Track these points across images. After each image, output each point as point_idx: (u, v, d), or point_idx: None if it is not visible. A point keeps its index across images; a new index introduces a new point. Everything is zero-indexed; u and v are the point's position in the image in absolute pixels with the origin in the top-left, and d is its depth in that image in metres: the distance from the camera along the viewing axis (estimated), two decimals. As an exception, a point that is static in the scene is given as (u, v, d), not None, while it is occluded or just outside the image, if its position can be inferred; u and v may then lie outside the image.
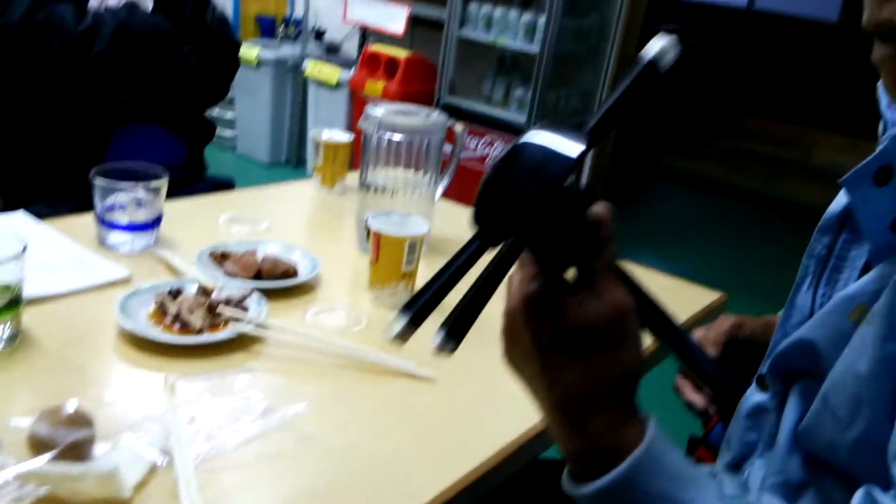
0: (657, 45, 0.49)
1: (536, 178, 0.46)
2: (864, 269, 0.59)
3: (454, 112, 3.69)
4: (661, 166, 5.39)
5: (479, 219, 0.48)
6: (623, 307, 0.50)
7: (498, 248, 0.49)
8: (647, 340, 0.55)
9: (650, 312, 0.57)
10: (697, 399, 0.78)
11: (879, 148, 0.51)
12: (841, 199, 0.63)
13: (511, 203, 0.47)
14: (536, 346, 0.51)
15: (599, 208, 0.50)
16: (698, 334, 0.81)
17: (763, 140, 5.82)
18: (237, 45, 2.13)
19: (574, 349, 0.50)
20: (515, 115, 3.59)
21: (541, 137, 0.48)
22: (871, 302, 0.52)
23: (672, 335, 0.60)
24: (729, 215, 4.73)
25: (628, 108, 0.49)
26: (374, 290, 1.10)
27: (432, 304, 0.48)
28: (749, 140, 5.87)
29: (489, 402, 0.90)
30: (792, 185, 5.04)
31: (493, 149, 3.64)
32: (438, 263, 0.50)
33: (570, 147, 0.47)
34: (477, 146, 3.69)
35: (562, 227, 0.49)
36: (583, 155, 0.47)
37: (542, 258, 0.51)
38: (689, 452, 0.81)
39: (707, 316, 1.25)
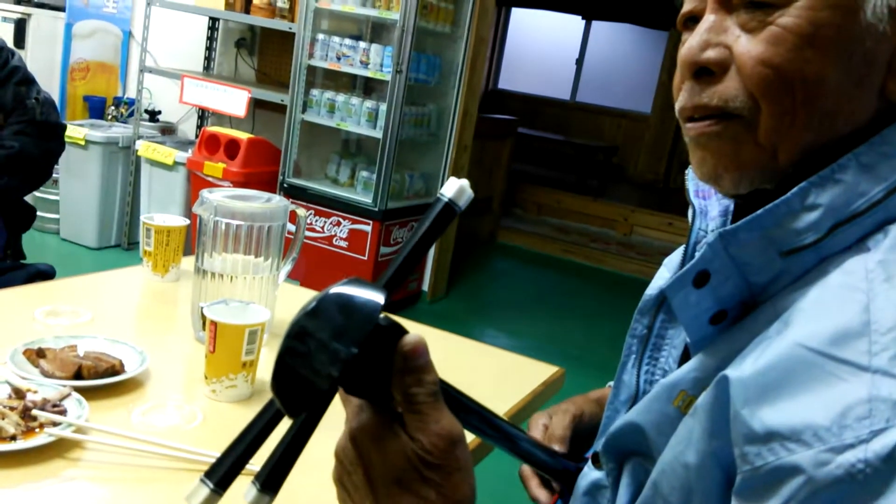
0: (454, 186, 0.51)
1: (337, 345, 0.46)
2: (684, 349, 0.64)
3: (299, 193, 3.67)
4: (497, 244, 5.62)
5: (278, 392, 0.48)
6: (450, 437, 0.50)
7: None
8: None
9: (480, 421, 0.59)
10: (542, 495, 0.79)
11: (698, 255, 0.54)
12: (656, 283, 0.68)
13: (309, 383, 0.46)
14: (369, 483, 0.51)
15: (411, 339, 0.50)
16: (541, 422, 0.83)
17: (588, 219, 6.26)
18: (62, 128, 2.02)
19: (405, 484, 0.49)
20: (362, 196, 3.64)
21: (341, 294, 0.48)
22: (692, 389, 0.55)
23: (505, 438, 0.62)
24: (566, 289, 4.99)
25: (429, 244, 0.52)
26: (211, 382, 1.04)
27: (237, 469, 0.48)
28: (576, 218, 6.28)
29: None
30: (617, 261, 5.41)
31: (340, 228, 3.64)
32: None
33: (371, 301, 0.48)
34: (324, 226, 3.68)
35: (374, 367, 0.49)
36: (384, 305, 0.48)
37: (362, 395, 0.51)
38: None
39: (546, 390, 1.29)
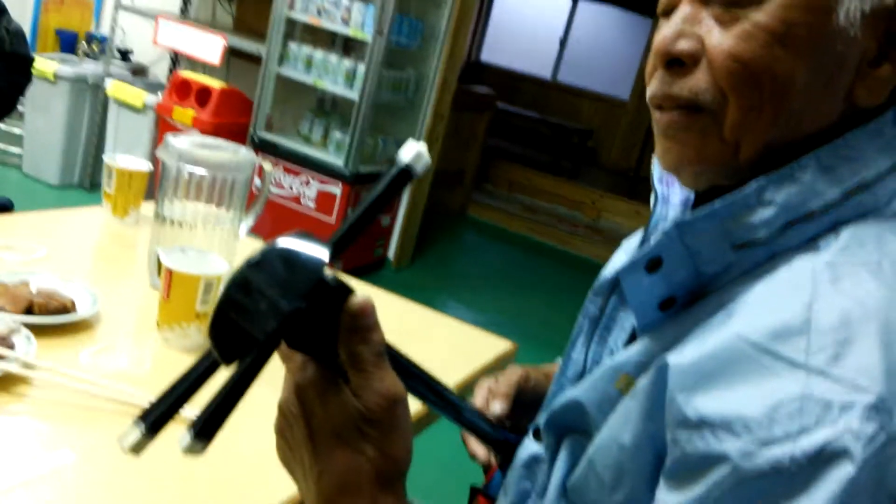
0: (412, 151, 0.51)
1: (277, 298, 0.46)
2: (632, 332, 0.65)
3: (269, 148, 3.63)
4: (466, 217, 5.63)
5: (215, 339, 0.48)
6: (392, 396, 0.51)
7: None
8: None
9: (424, 388, 0.60)
10: (480, 451, 0.81)
11: (653, 242, 0.54)
12: (612, 265, 0.69)
13: (247, 333, 0.47)
14: (309, 435, 0.52)
15: (358, 300, 0.50)
16: (487, 384, 0.84)
17: (559, 200, 6.29)
18: (30, 60, 1.96)
19: (344, 438, 0.50)
20: (333, 157, 3.60)
21: (287, 246, 0.49)
22: (634, 373, 0.56)
23: (448, 406, 0.63)
24: (532, 268, 5.03)
25: (382, 206, 0.52)
26: (163, 330, 1.04)
27: (169, 414, 0.48)
28: (546, 198, 6.31)
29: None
30: (584, 244, 5.46)
31: (309, 188, 3.61)
32: None
33: (315, 257, 0.48)
34: (293, 185, 3.64)
35: (319, 324, 0.50)
36: (329, 262, 0.48)
37: (306, 351, 0.51)
38: (469, 502, 0.83)
39: (498, 363, 1.31)
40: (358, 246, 3.76)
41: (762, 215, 0.52)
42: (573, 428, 0.62)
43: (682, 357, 0.49)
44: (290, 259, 0.48)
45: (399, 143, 3.90)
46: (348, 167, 3.53)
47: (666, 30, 0.56)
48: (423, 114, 3.86)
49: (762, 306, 0.49)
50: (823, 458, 0.42)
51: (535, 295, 4.42)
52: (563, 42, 8.79)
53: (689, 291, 0.56)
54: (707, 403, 0.46)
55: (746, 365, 0.46)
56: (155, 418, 0.47)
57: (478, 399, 0.82)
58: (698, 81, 0.54)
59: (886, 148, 0.54)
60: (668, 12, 0.58)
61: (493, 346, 1.36)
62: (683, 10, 0.55)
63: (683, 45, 0.54)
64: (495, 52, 8.98)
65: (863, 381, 0.44)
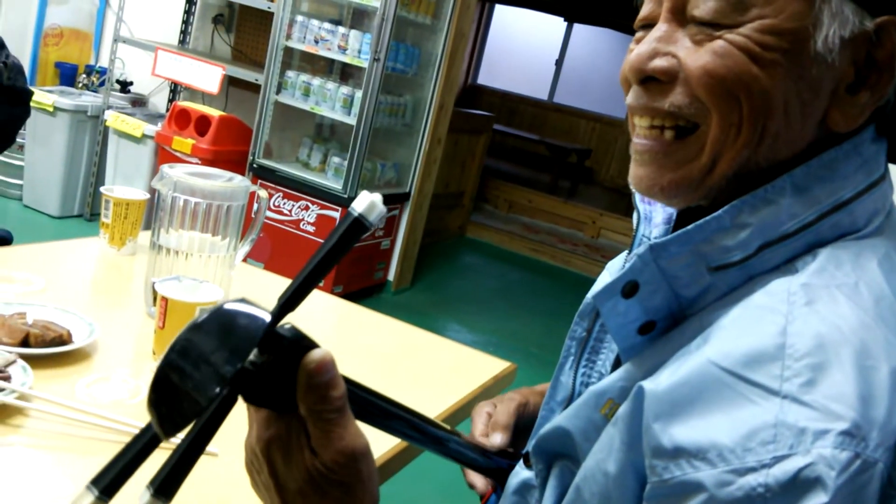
0: (365, 201, 0.49)
1: (220, 363, 0.45)
2: (619, 355, 0.65)
3: (268, 175, 3.65)
4: (465, 239, 5.64)
5: (156, 406, 0.46)
6: (351, 453, 0.50)
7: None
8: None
9: (404, 425, 0.59)
10: (479, 482, 0.80)
11: (628, 265, 0.53)
12: (597, 287, 0.68)
13: (192, 398, 0.45)
14: (275, 487, 0.52)
15: (315, 356, 0.49)
16: (486, 410, 0.83)
17: (558, 220, 6.31)
18: (28, 94, 1.99)
19: (307, 496, 0.50)
20: (332, 182, 3.62)
21: (229, 310, 0.47)
22: (618, 398, 0.55)
23: (433, 440, 0.63)
24: (532, 288, 5.02)
25: (335, 260, 0.50)
26: (159, 358, 1.04)
27: (124, 476, 0.47)
28: (546, 217, 6.33)
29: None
30: (583, 262, 5.47)
31: (309, 213, 3.63)
32: None
33: (258, 318, 0.47)
34: (292, 210, 3.66)
35: (274, 381, 0.49)
36: (273, 323, 0.48)
37: (266, 407, 0.51)
38: None
39: (496, 384, 1.31)
40: (358, 269, 3.78)
41: (737, 237, 0.52)
42: (561, 454, 0.61)
43: (657, 384, 0.49)
44: (232, 321, 0.47)
45: (398, 167, 3.93)
46: (347, 191, 3.55)
47: (641, 48, 0.55)
48: (421, 137, 3.89)
49: (736, 331, 0.48)
50: (797, 487, 0.42)
51: (535, 315, 4.41)
52: (558, 64, 8.87)
53: (670, 315, 0.55)
54: (682, 432, 0.46)
55: (720, 392, 0.46)
56: (109, 481, 0.46)
57: (477, 427, 0.80)
58: (677, 97, 0.54)
59: (864, 166, 0.54)
60: (646, 26, 0.57)
61: (491, 366, 1.36)
62: (660, 28, 0.55)
63: (659, 63, 0.54)
64: (492, 75, 9.06)
65: (837, 407, 0.43)
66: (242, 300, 0.49)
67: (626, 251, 0.69)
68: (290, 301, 0.49)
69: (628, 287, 0.53)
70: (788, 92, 0.52)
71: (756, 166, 0.53)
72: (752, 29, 0.51)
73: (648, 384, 0.49)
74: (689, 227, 0.52)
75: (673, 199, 0.57)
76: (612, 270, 0.70)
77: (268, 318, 0.48)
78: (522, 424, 0.81)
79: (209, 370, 0.45)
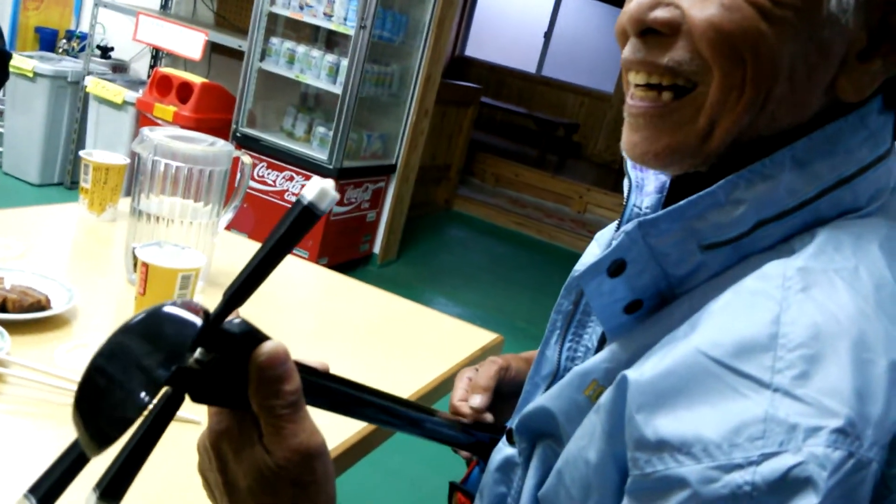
0: (315, 188, 0.46)
1: (149, 366, 0.43)
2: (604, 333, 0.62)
3: (252, 144, 3.60)
4: (452, 212, 5.62)
5: (83, 414, 0.43)
6: (308, 451, 0.47)
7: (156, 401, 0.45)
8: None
9: (375, 411, 0.58)
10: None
11: (615, 243, 0.50)
12: (585, 259, 0.64)
13: (121, 405, 0.42)
14: (224, 485, 0.49)
15: (267, 349, 0.46)
16: (467, 375, 0.82)
17: (545, 194, 6.30)
18: (6, 56, 1.93)
19: (257, 495, 0.48)
20: (317, 152, 3.57)
21: (162, 311, 0.45)
22: (603, 379, 0.53)
23: (407, 422, 0.61)
24: (518, 262, 5.03)
25: (285, 251, 0.46)
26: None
27: (63, 484, 0.45)
28: (532, 192, 6.32)
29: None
30: (570, 237, 5.47)
31: (293, 183, 3.58)
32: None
33: (189, 320, 0.44)
34: (276, 180, 3.62)
35: (220, 378, 0.47)
36: (218, 320, 0.45)
37: (215, 404, 0.48)
38: (449, 498, 0.81)
39: (483, 355, 1.30)
40: (343, 242, 3.75)
41: (731, 214, 0.49)
42: (545, 433, 0.59)
43: (641, 372, 0.46)
44: (165, 323, 0.44)
45: (384, 138, 3.88)
46: (333, 162, 3.51)
47: None
48: (408, 108, 3.85)
49: (726, 318, 0.45)
50: (786, 487, 0.39)
51: (521, 289, 4.42)
52: (547, 36, 8.79)
53: (658, 293, 0.52)
54: (666, 424, 0.43)
55: (708, 384, 0.43)
56: (47, 489, 0.44)
57: (457, 391, 0.79)
58: (678, 52, 0.50)
59: (869, 139, 0.50)
60: None
61: (478, 337, 1.35)
62: None
63: (661, 14, 0.50)
64: (480, 46, 8.97)
65: (831, 402, 0.40)
66: (184, 303, 0.46)
67: (616, 222, 0.65)
68: (235, 296, 0.46)
69: (614, 266, 0.51)
70: (796, 54, 0.48)
71: (756, 134, 0.50)
72: None
73: (632, 373, 0.47)
74: (682, 202, 0.49)
75: (668, 166, 0.54)
76: (601, 241, 0.67)
77: (199, 321, 0.45)
78: (505, 389, 0.79)
79: (140, 375, 0.42)
